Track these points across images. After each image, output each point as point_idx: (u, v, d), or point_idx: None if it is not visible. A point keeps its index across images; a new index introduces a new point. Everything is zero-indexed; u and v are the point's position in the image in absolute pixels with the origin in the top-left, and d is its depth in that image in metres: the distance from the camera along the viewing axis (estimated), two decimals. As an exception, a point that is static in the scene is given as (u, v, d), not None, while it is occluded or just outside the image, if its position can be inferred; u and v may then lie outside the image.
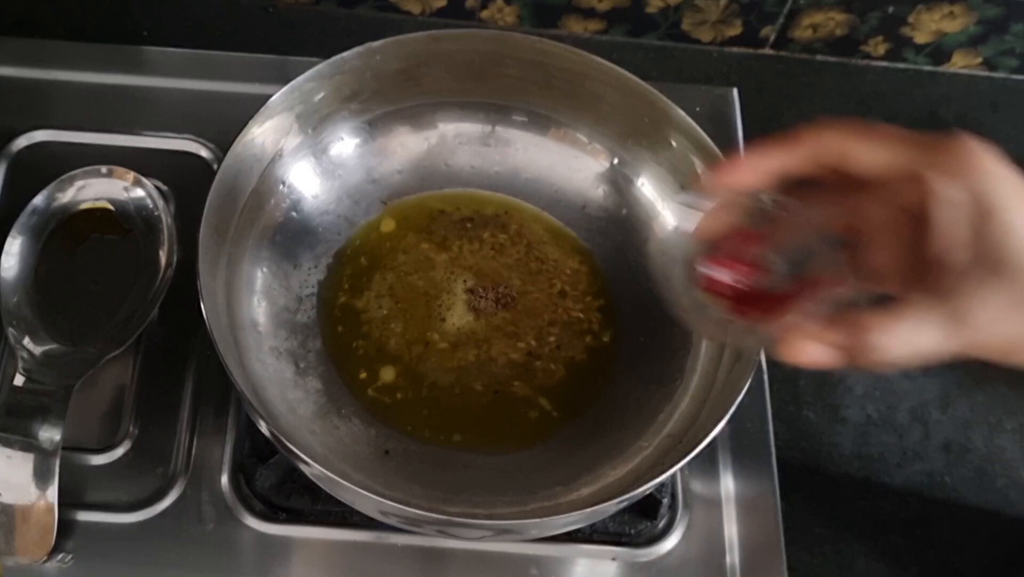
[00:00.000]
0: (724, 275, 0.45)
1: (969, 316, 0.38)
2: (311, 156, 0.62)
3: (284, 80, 0.57)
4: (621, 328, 0.61)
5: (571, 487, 0.55)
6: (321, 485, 0.53)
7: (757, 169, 0.43)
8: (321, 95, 0.59)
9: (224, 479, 0.58)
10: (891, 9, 0.73)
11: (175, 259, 0.62)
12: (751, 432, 0.62)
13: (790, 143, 0.42)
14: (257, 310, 0.59)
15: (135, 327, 0.60)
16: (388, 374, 0.59)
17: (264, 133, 0.58)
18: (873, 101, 0.77)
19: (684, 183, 0.60)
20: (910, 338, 0.39)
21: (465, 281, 0.61)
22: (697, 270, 0.46)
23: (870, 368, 0.40)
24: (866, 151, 0.41)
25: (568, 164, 0.63)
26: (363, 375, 0.58)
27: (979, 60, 0.77)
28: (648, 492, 0.53)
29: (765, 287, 0.45)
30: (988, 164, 0.39)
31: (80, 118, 0.68)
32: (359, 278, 0.61)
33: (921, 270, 0.40)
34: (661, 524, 0.59)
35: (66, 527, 0.56)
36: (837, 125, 0.42)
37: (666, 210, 0.62)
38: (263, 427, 0.51)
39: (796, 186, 0.44)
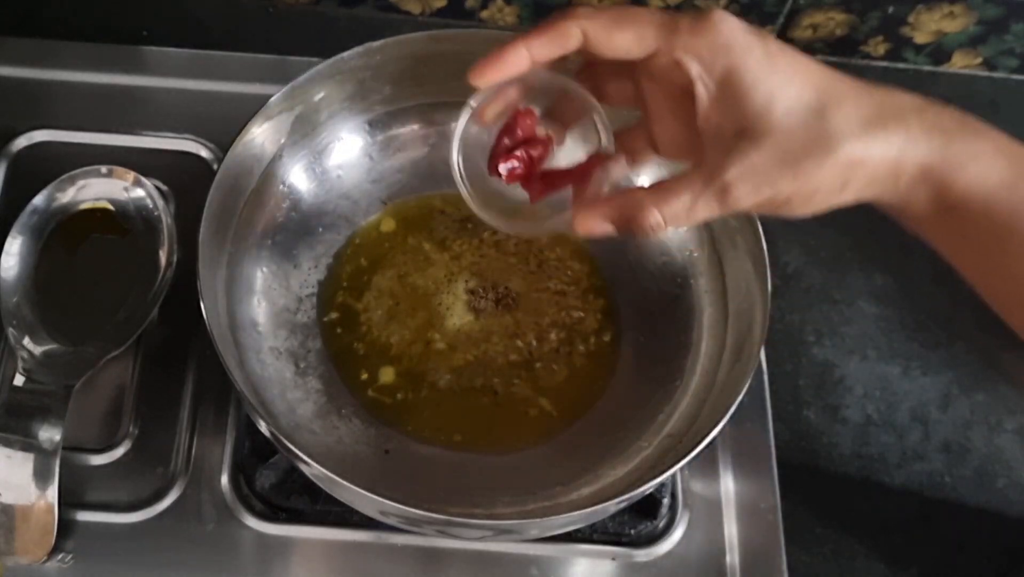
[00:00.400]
0: (514, 158, 0.49)
1: (733, 186, 0.41)
2: (311, 156, 0.62)
3: (284, 80, 0.57)
4: (621, 328, 0.61)
5: (571, 487, 0.55)
6: (321, 485, 0.53)
7: (520, 60, 0.45)
8: (321, 95, 0.59)
9: (224, 479, 0.58)
10: (891, 9, 0.73)
11: (175, 259, 0.62)
12: (751, 432, 0.62)
13: (544, 33, 0.44)
14: (257, 310, 0.59)
15: (135, 327, 0.60)
16: (388, 374, 0.59)
17: (264, 133, 0.58)
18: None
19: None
20: (683, 210, 0.43)
21: (465, 281, 0.61)
22: (492, 159, 0.50)
23: (651, 235, 0.44)
24: (614, 39, 0.43)
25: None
26: (363, 375, 0.58)
27: (979, 60, 0.77)
28: (648, 492, 0.53)
29: (550, 164, 0.50)
30: (730, 36, 0.41)
31: (80, 118, 0.68)
32: (359, 278, 0.61)
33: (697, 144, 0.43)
34: (661, 524, 0.59)
35: (66, 527, 0.56)
36: (587, 13, 0.43)
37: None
38: (263, 427, 0.51)
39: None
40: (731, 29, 0.42)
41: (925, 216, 0.43)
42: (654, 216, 0.43)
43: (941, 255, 0.46)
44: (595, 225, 0.45)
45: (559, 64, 0.46)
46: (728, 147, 0.42)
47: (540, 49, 0.45)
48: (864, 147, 0.41)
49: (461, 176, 0.50)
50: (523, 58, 0.45)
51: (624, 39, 0.43)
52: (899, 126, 0.41)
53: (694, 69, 0.42)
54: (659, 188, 0.43)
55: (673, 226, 0.44)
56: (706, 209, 0.42)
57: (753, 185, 0.41)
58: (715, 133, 0.42)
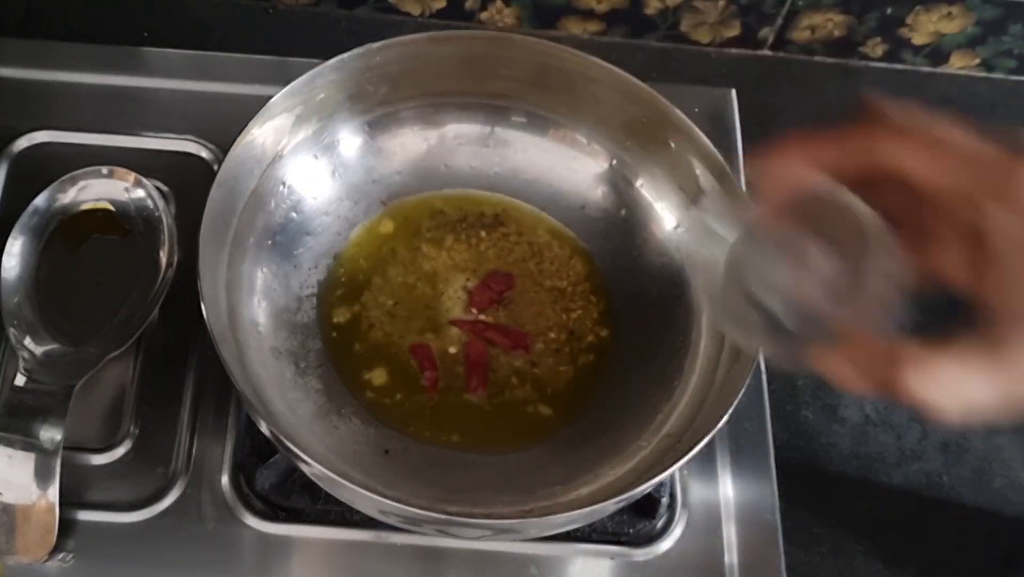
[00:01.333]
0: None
1: (1021, 366, 0.34)
2: (311, 157, 0.62)
3: (284, 81, 0.57)
4: (620, 328, 0.61)
5: (570, 487, 0.55)
6: (321, 485, 0.54)
7: (806, 160, 0.38)
8: (321, 96, 0.59)
9: (224, 479, 0.58)
10: (889, 10, 0.73)
11: (175, 259, 0.62)
12: (750, 432, 0.62)
13: (842, 139, 0.38)
14: (257, 310, 0.59)
15: (135, 327, 0.60)
16: (388, 375, 0.59)
17: (264, 134, 0.58)
18: (871, 102, 0.77)
19: (684, 185, 0.60)
20: (952, 381, 0.35)
21: (465, 281, 0.61)
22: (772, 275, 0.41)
23: (912, 408, 0.36)
24: (923, 164, 0.37)
25: (567, 165, 0.64)
26: (363, 375, 0.59)
27: (977, 61, 0.78)
28: (647, 492, 0.53)
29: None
30: None
31: (81, 119, 0.68)
32: (359, 278, 0.61)
33: (983, 289, 0.36)
34: (660, 523, 0.59)
35: (67, 527, 0.56)
36: (895, 126, 0.37)
37: (665, 211, 0.62)
38: (263, 427, 0.52)
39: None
40: None
41: None
42: (919, 382, 0.35)
43: None
44: (846, 377, 0.37)
45: None
46: (1020, 321, 0.35)
47: (837, 156, 0.38)
48: None
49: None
50: (811, 161, 0.39)
51: (938, 170, 0.37)
52: None
53: (993, 222, 0.35)
54: (927, 348, 0.36)
55: (938, 402, 0.35)
56: (984, 384, 0.35)
57: None
58: (1005, 300, 0.36)
